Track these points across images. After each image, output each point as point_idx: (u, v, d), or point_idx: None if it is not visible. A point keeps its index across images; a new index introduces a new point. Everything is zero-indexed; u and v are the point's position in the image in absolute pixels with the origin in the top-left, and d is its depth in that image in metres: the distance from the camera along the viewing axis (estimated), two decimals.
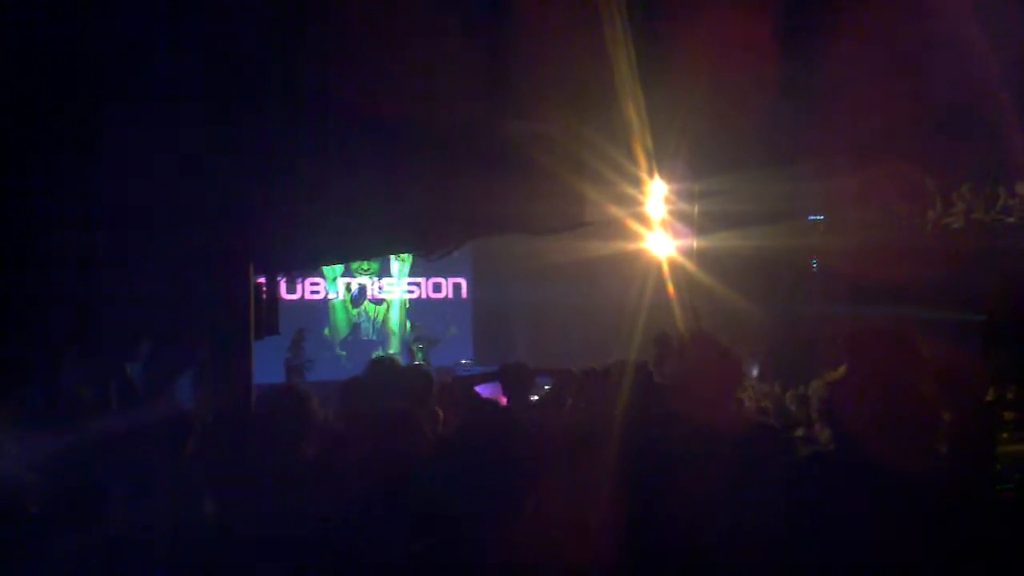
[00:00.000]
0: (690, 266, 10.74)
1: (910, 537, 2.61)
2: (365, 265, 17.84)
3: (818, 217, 13.39)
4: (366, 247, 6.99)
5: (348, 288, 18.01)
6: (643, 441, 3.23)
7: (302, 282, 17.10)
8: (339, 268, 17.58)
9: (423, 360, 16.31)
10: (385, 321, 18.24)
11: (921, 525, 2.63)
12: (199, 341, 5.49)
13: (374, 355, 16.49)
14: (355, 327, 17.88)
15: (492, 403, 5.70)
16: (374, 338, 18.04)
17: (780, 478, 2.97)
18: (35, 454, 4.60)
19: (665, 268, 10.53)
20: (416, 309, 18.35)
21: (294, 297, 16.91)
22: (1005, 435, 4.74)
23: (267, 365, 6.22)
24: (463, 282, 18.57)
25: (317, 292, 17.82)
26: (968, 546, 2.66)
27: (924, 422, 2.87)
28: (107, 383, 5.04)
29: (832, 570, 2.62)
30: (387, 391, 5.20)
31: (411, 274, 18.44)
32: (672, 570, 2.82)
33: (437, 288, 18.57)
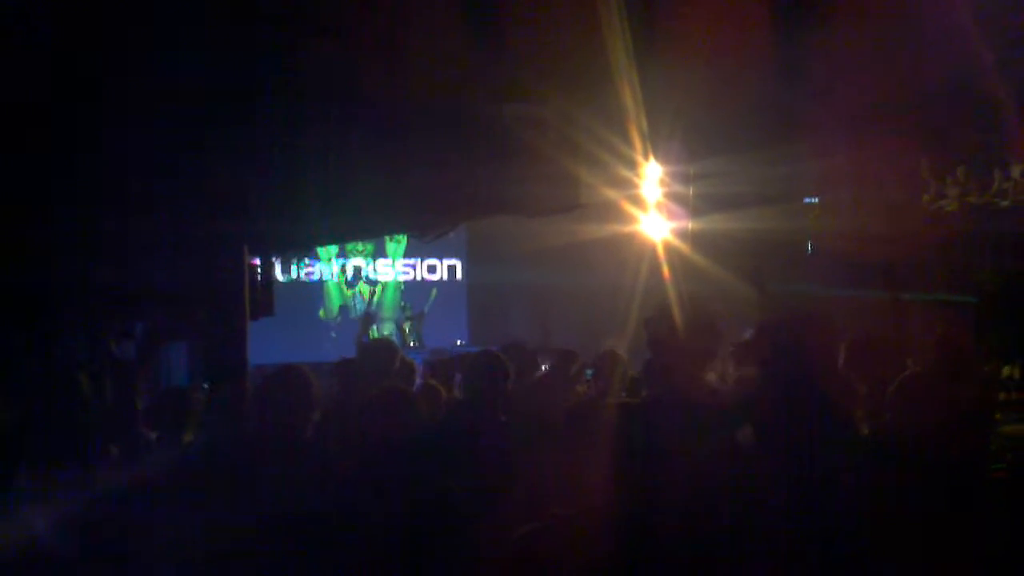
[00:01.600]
0: (685, 248, 10.75)
1: (908, 515, 2.64)
2: (360, 246, 17.84)
3: (813, 200, 13.39)
4: (361, 228, 6.99)
5: (343, 270, 18.03)
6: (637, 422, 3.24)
7: (297, 263, 17.10)
8: (334, 249, 17.57)
9: (415, 338, 16.34)
10: (380, 302, 18.25)
11: (920, 503, 2.66)
12: (195, 322, 5.50)
13: (358, 336, 16.61)
14: (349, 308, 17.88)
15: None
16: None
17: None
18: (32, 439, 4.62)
19: (660, 250, 10.53)
20: (411, 290, 18.35)
21: (289, 278, 16.92)
22: (998, 415, 4.77)
23: (271, 344, 6.24)
24: (458, 263, 18.57)
25: (312, 273, 17.82)
26: (964, 525, 2.69)
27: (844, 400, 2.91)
28: (103, 364, 5.05)
29: (828, 545, 2.65)
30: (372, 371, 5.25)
31: (406, 256, 18.44)
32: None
33: (432, 269, 18.57)
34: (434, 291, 17.97)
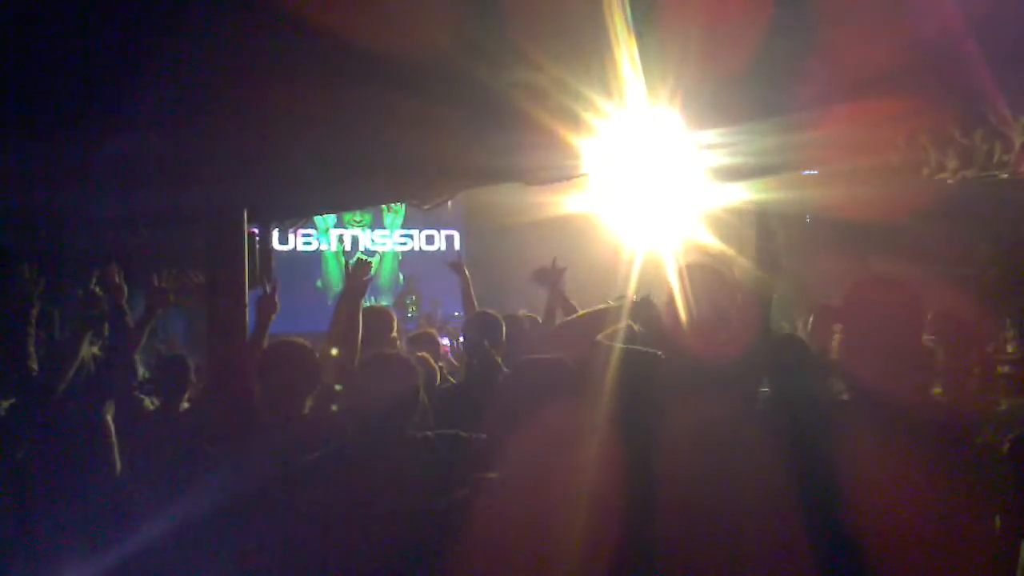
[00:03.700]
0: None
1: (919, 479, 2.64)
2: (357, 216, 17.80)
3: (812, 172, 13.33)
4: (362, 195, 6.95)
5: (341, 240, 17.99)
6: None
7: (294, 233, 17.06)
8: (332, 219, 17.54)
9: (415, 313, 16.35)
10: (377, 273, 18.21)
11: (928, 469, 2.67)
12: (195, 289, 5.49)
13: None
14: None
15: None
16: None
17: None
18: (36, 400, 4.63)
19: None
20: (409, 261, 18.32)
21: (287, 248, 16.88)
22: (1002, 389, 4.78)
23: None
24: (456, 234, 18.52)
25: (310, 243, 17.79)
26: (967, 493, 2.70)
27: (923, 367, 2.92)
28: (101, 330, 5.05)
29: (838, 513, 2.66)
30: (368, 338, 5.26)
31: (403, 226, 18.40)
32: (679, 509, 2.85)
33: (430, 240, 18.54)
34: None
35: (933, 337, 4.56)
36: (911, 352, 2.88)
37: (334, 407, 4.55)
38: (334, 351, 4.79)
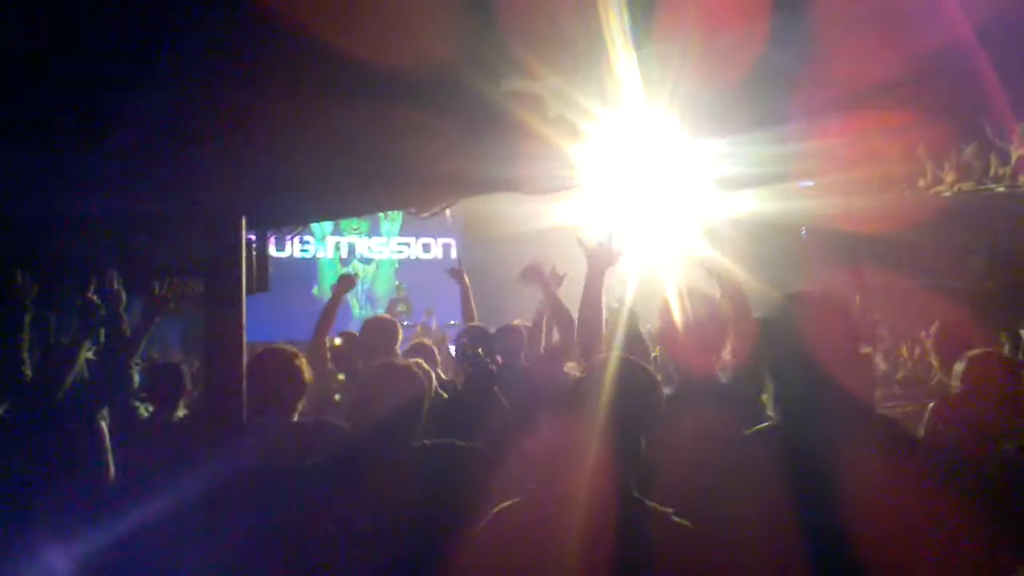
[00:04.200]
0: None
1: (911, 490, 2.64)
2: (355, 224, 17.81)
3: (808, 183, 13.33)
4: (360, 203, 6.95)
5: (337, 247, 17.99)
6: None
7: (291, 240, 17.06)
8: (328, 227, 17.54)
9: (407, 317, 16.35)
10: (374, 281, 18.21)
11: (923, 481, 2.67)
12: (191, 296, 5.49)
13: (365, 316, 16.60)
14: None
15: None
16: (362, 297, 18.02)
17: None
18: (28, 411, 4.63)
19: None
20: (405, 269, 18.32)
21: (283, 255, 16.87)
22: None
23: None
24: (452, 242, 18.52)
25: (307, 250, 17.79)
26: (968, 499, 2.70)
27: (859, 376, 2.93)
28: (97, 336, 5.04)
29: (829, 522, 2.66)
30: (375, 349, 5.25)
31: (400, 234, 18.40)
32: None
33: (427, 248, 18.53)
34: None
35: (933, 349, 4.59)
36: (843, 362, 2.89)
37: (336, 396, 4.55)
38: (337, 341, 4.80)
